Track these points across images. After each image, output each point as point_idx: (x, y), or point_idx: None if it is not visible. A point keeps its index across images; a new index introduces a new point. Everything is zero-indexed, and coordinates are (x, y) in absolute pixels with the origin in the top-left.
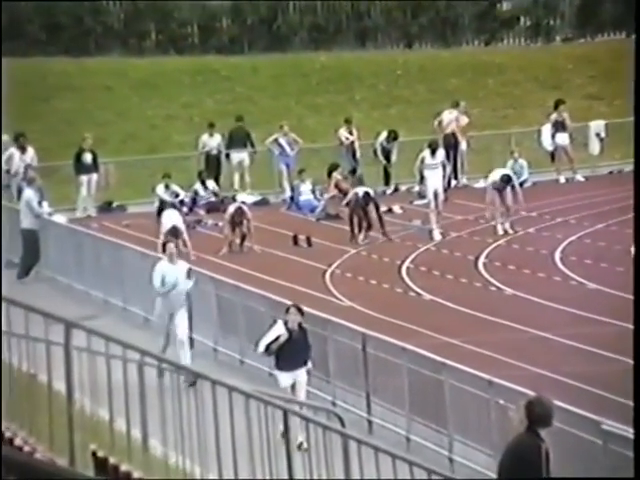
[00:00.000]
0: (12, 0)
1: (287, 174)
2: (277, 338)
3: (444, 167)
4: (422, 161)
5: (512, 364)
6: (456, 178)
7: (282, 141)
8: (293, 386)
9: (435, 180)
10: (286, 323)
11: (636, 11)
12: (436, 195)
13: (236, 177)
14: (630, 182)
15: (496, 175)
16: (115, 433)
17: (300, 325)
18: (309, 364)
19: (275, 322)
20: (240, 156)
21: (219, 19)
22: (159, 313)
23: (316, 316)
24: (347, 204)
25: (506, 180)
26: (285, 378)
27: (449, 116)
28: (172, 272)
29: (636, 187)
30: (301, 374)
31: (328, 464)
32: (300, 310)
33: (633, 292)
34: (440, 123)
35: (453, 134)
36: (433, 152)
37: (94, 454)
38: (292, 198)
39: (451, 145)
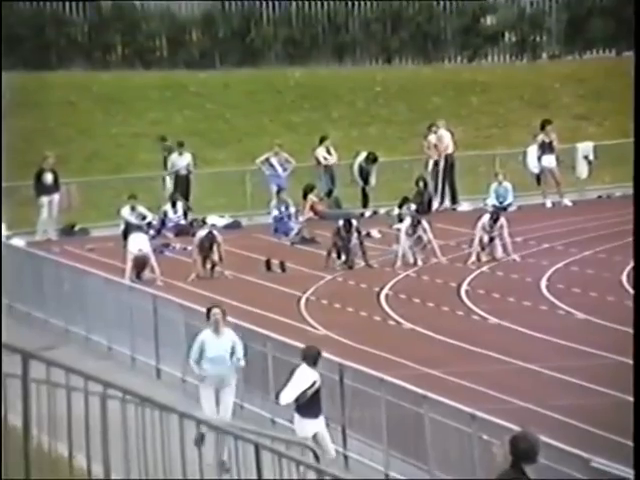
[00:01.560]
0: (12, 0)
1: (277, 195)
2: (312, 384)
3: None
4: (407, 233)
5: (496, 397)
6: (444, 201)
7: (273, 161)
8: (314, 436)
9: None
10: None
11: (635, 26)
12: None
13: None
14: (620, 207)
15: (485, 218)
16: (75, 470)
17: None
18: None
19: (298, 367)
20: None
21: (189, 31)
22: (209, 406)
23: (290, 345)
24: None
25: (495, 220)
26: (309, 426)
27: (448, 135)
28: (215, 346)
29: (636, 207)
30: (322, 423)
31: None
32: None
33: (633, 325)
34: (436, 145)
35: (451, 155)
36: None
37: None
38: (281, 219)
39: (448, 167)
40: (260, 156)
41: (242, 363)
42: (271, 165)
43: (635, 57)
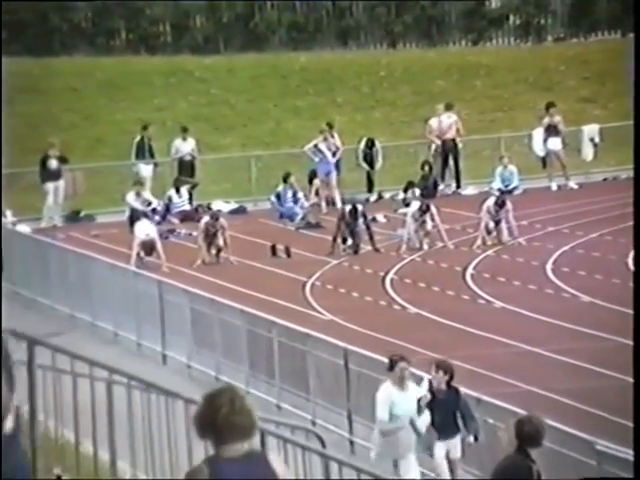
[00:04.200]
0: (12, 0)
1: (327, 183)
2: (419, 401)
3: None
4: (413, 218)
5: (501, 381)
6: (459, 186)
7: (322, 147)
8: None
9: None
10: (431, 382)
11: (635, 9)
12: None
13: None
14: (625, 189)
15: (490, 202)
16: (81, 456)
17: (449, 385)
18: (470, 437)
19: (422, 380)
20: (148, 168)
21: (193, 17)
22: (379, 453)
23: (295, 330)
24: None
25: (500, 204)
26: (436, 446)
27: (448, 120)
28: (404, 402)
29: (636, 190)
30: (454, 446)
31: None
32: (445, 369)
33: (633, 306)
34: (431, 131)
35: (453, 139)
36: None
37: (59, 478)
38: (281, 206)
39: (451, 151)
40: (263, 140)
41: (426, 420)
42: (320, 151)
43: (635, 39)
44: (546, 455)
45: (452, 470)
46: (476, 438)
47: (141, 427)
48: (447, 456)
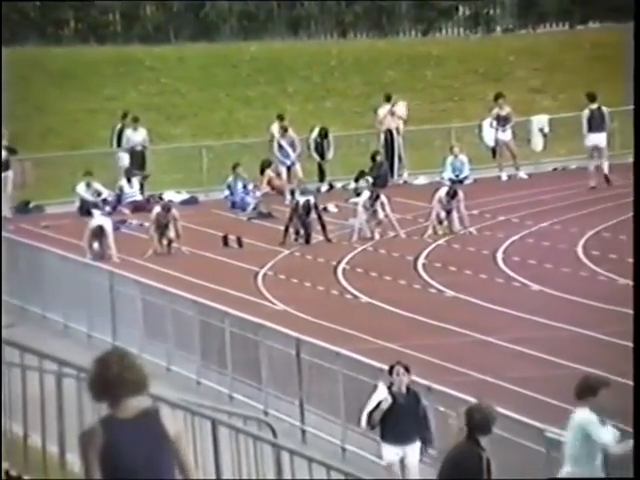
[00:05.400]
0: (12, 0)
1: (287, 176)
2: (378, 405)
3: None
4: (364, 207)
5: (452, 369)
6: (392, 176)
7: (283, 143)
8: (402, 462)
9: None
10: (390, 386)
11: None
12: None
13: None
14: (575, 179)
15: (442, 192)
16: (30, 449)
17: (408, 389)
18: (428, 444)
19: (376, 386)
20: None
21: (143, 6)
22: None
23: (248, 321)
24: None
25: (452, 194)
26: (390, 452)
27: (382, 111)
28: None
29: (636, 185)
30: (411, 451)
31: (259, 476)
32: (407, 369)
33: (633, 306)
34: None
35: (389, 130)
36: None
37: (6, 473)
38: (232, 196)
39: (388, 142)
40: (214, 130)
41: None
42: (281, 147)
43: (635, 30)
44: (496, 442)
45: (409, 475)
46: (429, 446)
47: (91, 420)
48: (403, 461)
